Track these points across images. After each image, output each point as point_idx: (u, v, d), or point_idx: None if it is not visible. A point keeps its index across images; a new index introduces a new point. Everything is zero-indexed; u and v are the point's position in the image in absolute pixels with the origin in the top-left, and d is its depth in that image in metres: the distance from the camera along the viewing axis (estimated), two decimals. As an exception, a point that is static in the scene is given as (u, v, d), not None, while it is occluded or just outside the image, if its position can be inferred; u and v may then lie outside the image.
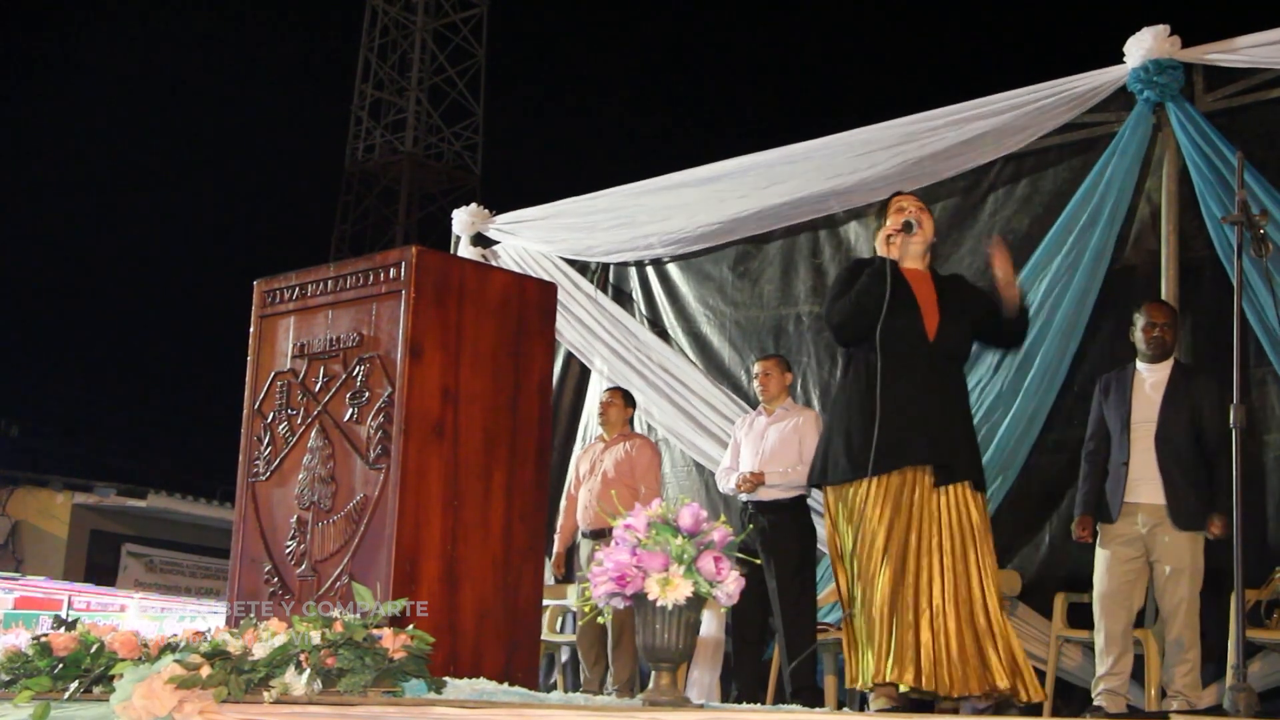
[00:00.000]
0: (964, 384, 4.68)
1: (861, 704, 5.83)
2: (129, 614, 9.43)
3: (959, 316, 4.53)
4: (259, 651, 2.84)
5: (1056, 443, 6.25)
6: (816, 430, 6.10)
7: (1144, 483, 5.10)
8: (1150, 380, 5.23)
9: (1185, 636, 4.99)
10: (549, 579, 6.65)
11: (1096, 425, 5.34)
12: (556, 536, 6.90)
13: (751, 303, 7.57)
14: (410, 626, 3.02)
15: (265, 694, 2.77)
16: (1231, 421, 4.10)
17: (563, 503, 7.01)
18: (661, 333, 7.84)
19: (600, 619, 6.11)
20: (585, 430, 8.13)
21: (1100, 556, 5.19)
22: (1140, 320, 5.31)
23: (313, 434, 4.24)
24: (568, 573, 6.98)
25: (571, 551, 7.00)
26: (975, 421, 6.22)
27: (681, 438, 7.44)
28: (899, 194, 4.81)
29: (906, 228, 4.55)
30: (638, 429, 7.57)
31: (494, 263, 8.01)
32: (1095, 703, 5.13)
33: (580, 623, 6.60)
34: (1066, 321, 6.22)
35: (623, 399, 6.93)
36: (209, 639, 2.96)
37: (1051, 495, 6.21)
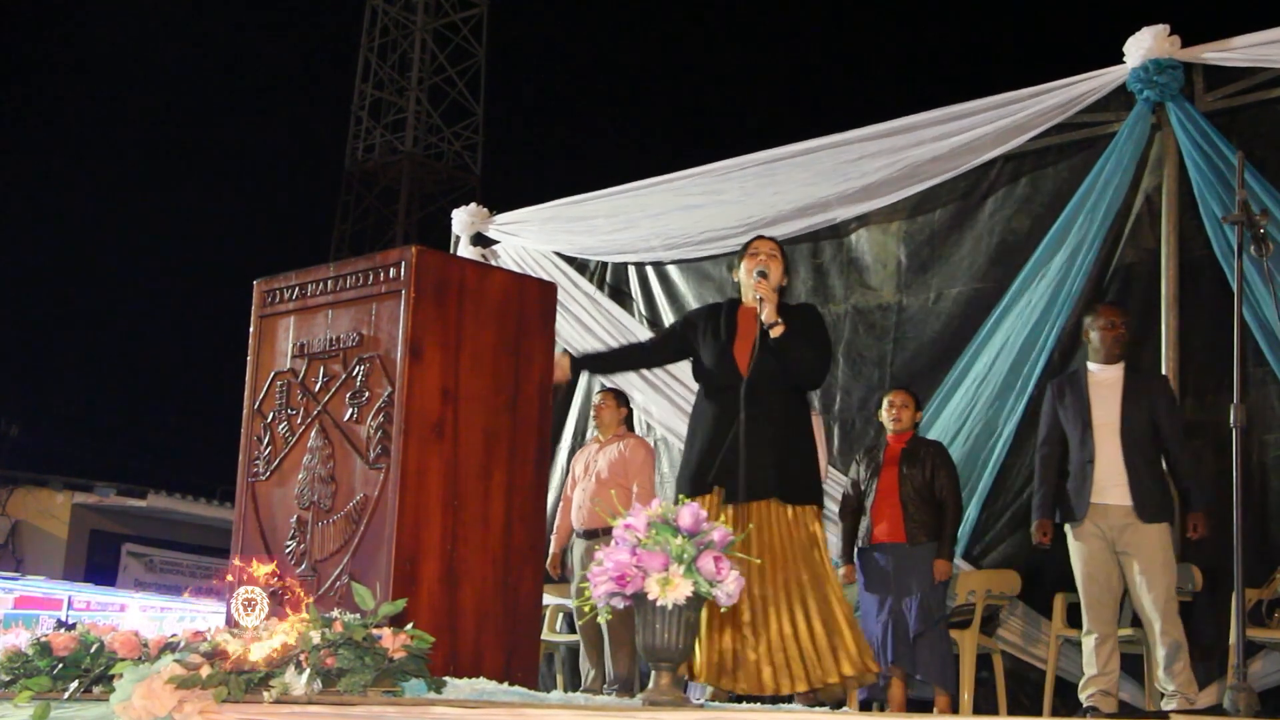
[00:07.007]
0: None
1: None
2: (129, 614, 9.43)
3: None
4: (259, 651, 2.84)
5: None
6: (818, 429, 6.10)
7: (1111, 483, 5.13)
8: (1104, 380, 5.26)
9: (1173, 634, 5.00)
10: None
11: (1050, 429, 5.37)
12: (552, 537, 6.91)
13: (752, 303, 7.57)
14: (410, 626, 3.02)
15: (265, 694, 2.77)
16: (1233, 421, 4.10)
17: (558, 503, 7.01)
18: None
19: (600, 619, 6.11)
20: (575, 430, 8.13)
21: (1078, 561, 5.22)
22: (1098, 322, 5.34)
23: (313, 434, 4.23)
24: (563, 573, 6.98)
25: (567, 552, 7.01)
26: (981, 424, 6.26)
27: (680, 436, 7.44)
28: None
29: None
30: (638, 429, 7.57)
31: (494, 263, 8.01)
32: (1087, 704, 5.14)
33: (580, 621, 6.61)
34: (1066, 320, 6.23)
35: (615, 400, 6.93)
36: (209, 639, 2.96)
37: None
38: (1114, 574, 5.16)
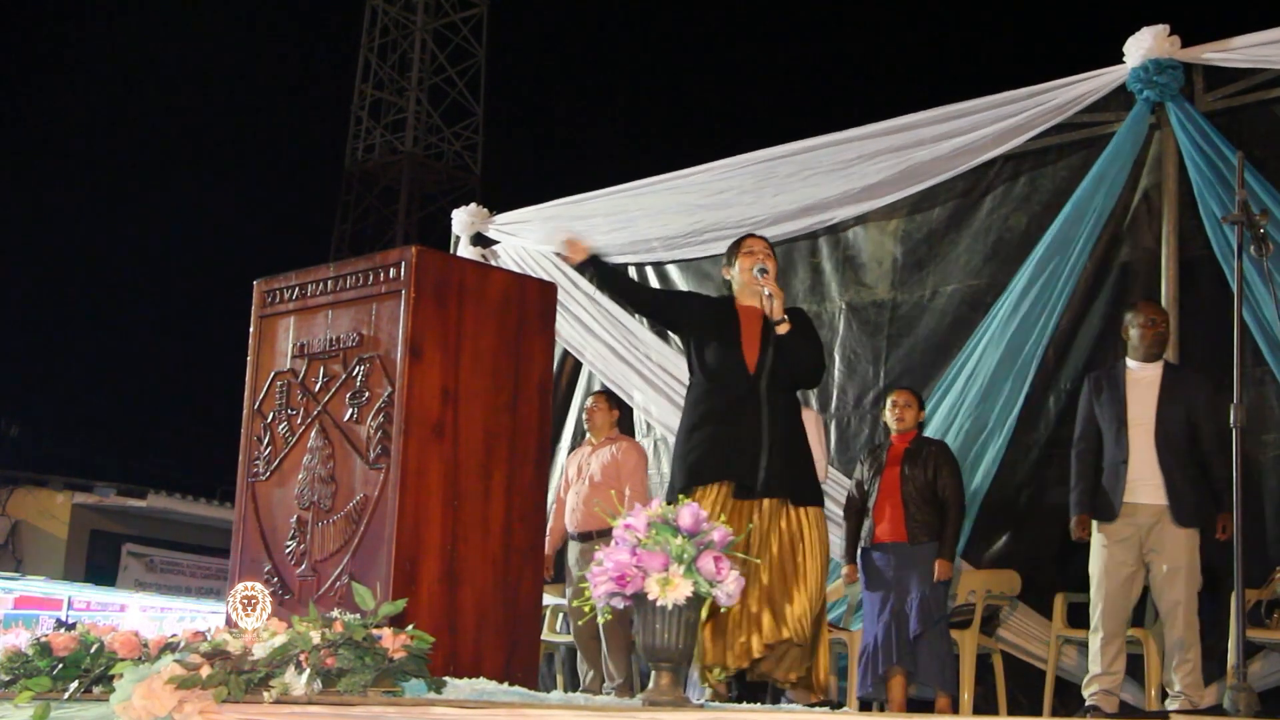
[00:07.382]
0: None
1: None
2: (129, 614, 9.44)
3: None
4: (259, 651, 2.84)
5: (1053, 440, 6.25)
6: (817, 429, 6.10)
7: (1144, 483, 5.09)
8: (1143, 379, 5.22)
9: (1186, 636, 4.98)
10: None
11: (1087, 424, 5.32)
12: (546, 539, 6.90)
13: (751, 302, 7.57)
14: (410, 626, 3.02)
15: (265, 694, 2.77)
16: (1232, 421, 4.10)
17: (552, 506, 7.01)
18: (660, 332, 7.83)
19: (600, 620, 6.11)
20: (575, 430, 8.13)
21: (1097, 556, 5.18)
22: (1138, 319, 5.28)
23: (313, 434, 4.24)
24: (557, 574, 6.98)
25: (560, 554, 7.01)
26: (971, 421, 6.26)
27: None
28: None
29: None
30: (638, 428, 7.56)
31: (494, 263, 8.02)
32: (1089, 703, 5.13)
33: (579, 622, 6.60)
34: (1065, 320, 6.23)
35: (607, 403, 6.92)
36: (209, 639, 2.96)
37: (1050, 493, 6.21)
38: (1136, 576, 5.13)
